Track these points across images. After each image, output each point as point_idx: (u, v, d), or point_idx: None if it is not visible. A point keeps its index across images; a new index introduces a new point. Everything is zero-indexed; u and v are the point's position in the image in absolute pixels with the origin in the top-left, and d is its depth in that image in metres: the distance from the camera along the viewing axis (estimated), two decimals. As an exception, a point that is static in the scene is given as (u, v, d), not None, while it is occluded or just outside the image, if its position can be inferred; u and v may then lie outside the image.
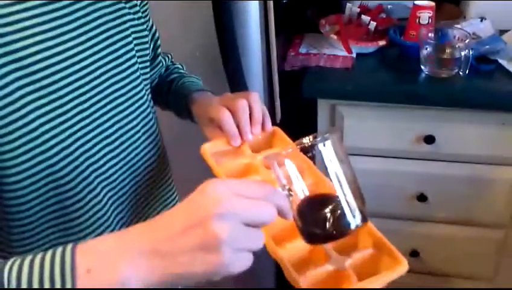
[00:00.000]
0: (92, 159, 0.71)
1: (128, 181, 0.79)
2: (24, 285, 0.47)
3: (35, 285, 0.47)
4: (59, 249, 0.48)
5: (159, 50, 0.94)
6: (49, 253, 0.48)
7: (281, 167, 0.59)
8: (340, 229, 0.57)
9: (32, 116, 0.62)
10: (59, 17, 0.65)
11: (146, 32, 0.82)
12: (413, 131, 1.37)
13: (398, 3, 1.56)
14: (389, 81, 1.36)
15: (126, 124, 0.76)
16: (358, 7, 1.50)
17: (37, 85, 0.62)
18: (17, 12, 0.60)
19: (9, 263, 0.49)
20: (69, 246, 0.48)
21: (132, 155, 0.78)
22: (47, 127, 0.64)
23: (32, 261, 0.48)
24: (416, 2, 1.38)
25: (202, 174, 0.73)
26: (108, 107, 0.73)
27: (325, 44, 1.50)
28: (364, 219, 0.58)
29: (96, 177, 0.73)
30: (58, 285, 0.46)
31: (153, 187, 0.86)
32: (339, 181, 0.58)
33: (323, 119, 1.42)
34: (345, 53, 1.43)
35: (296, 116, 1.50)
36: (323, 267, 0.61)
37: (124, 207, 0.80)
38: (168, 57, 1.00)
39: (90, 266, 0.47)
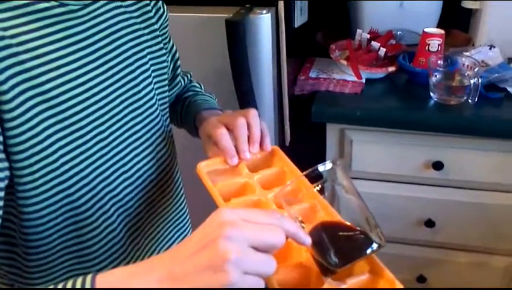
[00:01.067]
0: (110, 187, 0.72)
1: (143, 208, 0.80)
2: None
3: None
4: (81, 277, 0.50)
5: (179, 70, 0.95)
6: (70, 280, 0.50)
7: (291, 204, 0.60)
8: (354, 256, 0.58)
9: (54, 147, 0.63)
10: (82, 48, 0.66)
11: (164, 58, 0.83)
12: (422, 157, 1.37)
13: (407, 29, 1.58)
14: (398, 107, 1.37)
15: (142, 151, 0.77)
16: (368, 33, 1.51)
17: (60, 117, 0.63)
18: (43, 45, 0.62)
19: None
20: (90, 274, 0.50)
21: (147, 182, 0.79)
22: (67, 158, 0.65)
23: (55, 286, 0.50)
24: (426, 30, 1.40)
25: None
26: (126, 135, 0.74)
27: (335, 69, 1.51)
28: (378, 244, 0.58)
29: (113, 205, 0.74)
30: None
31: (167, 213, 0.87)
32: (348, 209, 0.59)
33: (332, 143, 1.43)
34: (354, 78, 1.44)
35: (305, 140, 1.51)
36: None
37: (139, 234, 0.80)
38: (187, 76, 1.01)
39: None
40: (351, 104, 1.37)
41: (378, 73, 1.45)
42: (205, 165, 0.77)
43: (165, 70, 0.84)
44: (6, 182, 0.61)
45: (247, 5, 1.18)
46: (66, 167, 0.65)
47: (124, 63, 0.73)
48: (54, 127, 0.63)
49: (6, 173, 0.60)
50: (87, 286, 0.49)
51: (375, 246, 0.58)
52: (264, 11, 1.17)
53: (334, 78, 1.46)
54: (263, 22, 1.17)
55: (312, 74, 1.50)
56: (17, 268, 0.73)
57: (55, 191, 0.66)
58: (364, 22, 1.59)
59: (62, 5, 0.64)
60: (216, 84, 1.24)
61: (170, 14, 0.89)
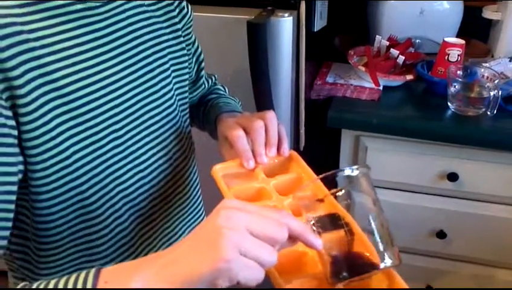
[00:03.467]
0: (122, 186, 0.72)
1: (157, 208, 0.79)
2: None
3: None
4: (84, 271, 0.50)
5: (202, 72, 0.93)
6: (74, 274, 0.50)
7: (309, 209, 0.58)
8: (367, 269, 0.56)
9: (66, 144, 0.63)
10: (100, 45, 0.66)
11: (185, 58, 0.82)
12: (437, 167, 1.36)
13: (426, 38, 1.57)
14: (415, 116, 1.36)
15: (158, 151, 0.77)
16: (388, 40, 1.50)
17: (74, 113, 0.63)
18: (61, 41, 0.62)
19: (35, 284, 0.50)
20: (94, 268, 0.50)
21: (163, 182, 0.79)
22: (80, 154, 0.65)
23: (57, 281, 0.50)
24: (446, 39, 1.38)
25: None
26: (143, 134, 0.73)
27: (352, 75, 1.50)
28: (392, 261, 0.56)
29: (125, 204, 0.73)
30: None
31: (182, 213, 0.86)
32: (369, 220, 0.57)
33: (346, 149, 1.42)
34: (372, 85, 1.43)
35: (319, 144, 1.50)
36: None
37: (151, 234, 0.80)
38: (212, 79, 0.99)
39: (107, 279, 0.49)
40: (368, 111, 1.36)
41: (396, 81, 1.44)
42: (220, 167, 0.75)
43: (186, 70, 0.83)
44: (20, 176, 0.60)
45: (269, 8, 1.17)
46: (79, 163, 0.65)
47: (142, 62, 0.72)
48: (68, 123, 0.63)
49: (21, 167, 0.60)
50: (89, 279, 0.49)
51: (388, 262, 0.56)
52: (286, 15, 1.16)
53: (351, 84, 1.45)
54: (285, 25, 1.17)
55: (329, 79, 1.49)
56: (29, 263, 0.73)
57: (67, 188, 0.65)
58: (383, 28, 1.57)
59: (81, 1, 0.64)
60: (234, 85, 1.23)
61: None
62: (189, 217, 0.88)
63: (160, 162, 0.77)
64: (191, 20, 0.85)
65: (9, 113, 0.57)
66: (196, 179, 0.90)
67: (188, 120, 0.86)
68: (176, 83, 0.80)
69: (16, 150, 0.59)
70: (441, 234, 1.44)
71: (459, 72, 1.35)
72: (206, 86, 0.97)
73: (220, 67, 1.23)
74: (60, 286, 0.49)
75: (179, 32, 0.81)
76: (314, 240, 0.54)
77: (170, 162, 0.79)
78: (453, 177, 1.34)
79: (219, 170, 0.75)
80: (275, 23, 1.16)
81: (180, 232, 0.86)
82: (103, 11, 0.67)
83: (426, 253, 1.51)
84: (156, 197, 0.78)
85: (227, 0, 1.21)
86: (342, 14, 1.65)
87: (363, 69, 1.43)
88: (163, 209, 0.80)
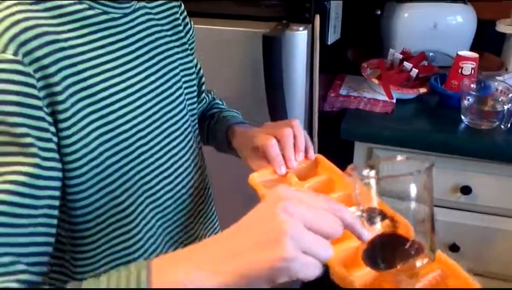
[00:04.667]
0: (150, 192, 0.74)
1: (183, 215, 0.82)
2: None
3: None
4: (133, 265, 0.50)
5: (203, 87, 0.97)
6: (124, 270, 0.50)
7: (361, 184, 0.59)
8: (407, 264, 0.57)
9: (100, 149, 0.65)
10: (125, 54, 0.69)
11: (193, 70, 0.86)
12: (450, 180, 1.36)
13: (440, 51, 1.57)
14: (428, 129, 1.36)
15: (180, 159, 0.79)
16: (401, 53, 1.51)
17: (105, 120, 0.65)
18: (92, 50, 0.64)
19: (85, 282, 0.50)
20: (145, 262, 0.50)
21: (186, 188, 0.81)
22: (112, 160, 0.67)
23: (109, 276, 0.49)
24: (459, 53, 1.39)
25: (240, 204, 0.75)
26: (165, 141, 0.76)
27: (365, 87, 1.51)
28: (431, 258, 0.58)
29: (152, 210, 0.75)
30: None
31: (200, 217, 0.89)
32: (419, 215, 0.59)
33: (359, 161, 1.43)
34: (385, 98, 1.44)
35: (332, 156, 1.51)
36: None
37: (177, 239, 0.82)
38: (211, 94, 1.03)
39: (159, 274, 0.48)
40: (381, 123, 1.37)
41: (410, 94, 1.44)
42: (257, 175, 0.80)
43: (194, 82, 0.87)
44: (59, 183, 0.61)
45: (284, 22, 1.18)
46: (111, 169, 0.67)
47: (160, 72, 0.75)
48: (100, 129, 0.65)
49: (59, 174, 0.61)
50: (143, 277, 0.48)
51: (425, 260, 0.57)
52: (301, 28, 1.18)
53: (364, 97, 1.46)
54: (299, 38, 1.18)
55: (342, 91, 1.50)
56: (65, 275, 0.74)
57: (102, 194, 0.67)
58: (397, 42, 1.58)
59: (105, 12, 0.67)
60: (248, 96, 1.25)
61: (207, 27, 0.90)
62: (204, 216, 0.90)
63: (181, 169, 0.80)
64: (194, 35, 0.90)
65: (50, 119, 0.59)
66: (209, 187, 0.93)
67: (197, 131, 0.89)
68: (186, 94, 0.83)
69: (57, 155, 0.60)
70: (454, 247, 1.44)
71: (473, 86, 1.36)
72: (207, 100, 1.00)
73: (235, 79, 1.25)
74: (113, 283, 0.49)
75: (186, 46, 0.85)
76: (362, 232, 0.54)
77: (190, 170, 0.82)
78: (466, 190, 1.34)
79: (256, 177, 0.80)
80: (289, 37, 1.17)
81: (198, 233, 0.88)
82: (123, 22, 0.70)
83: (439, 266, 1.50)
84: (180, 203, 0.81)
85: (243, 14, 1.23)
86: (355, 28, 1.67)
87: (377, 81, 1.44)
88: (184, 210, 0.83)
